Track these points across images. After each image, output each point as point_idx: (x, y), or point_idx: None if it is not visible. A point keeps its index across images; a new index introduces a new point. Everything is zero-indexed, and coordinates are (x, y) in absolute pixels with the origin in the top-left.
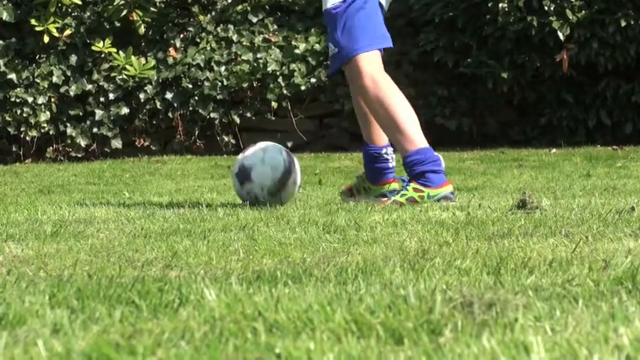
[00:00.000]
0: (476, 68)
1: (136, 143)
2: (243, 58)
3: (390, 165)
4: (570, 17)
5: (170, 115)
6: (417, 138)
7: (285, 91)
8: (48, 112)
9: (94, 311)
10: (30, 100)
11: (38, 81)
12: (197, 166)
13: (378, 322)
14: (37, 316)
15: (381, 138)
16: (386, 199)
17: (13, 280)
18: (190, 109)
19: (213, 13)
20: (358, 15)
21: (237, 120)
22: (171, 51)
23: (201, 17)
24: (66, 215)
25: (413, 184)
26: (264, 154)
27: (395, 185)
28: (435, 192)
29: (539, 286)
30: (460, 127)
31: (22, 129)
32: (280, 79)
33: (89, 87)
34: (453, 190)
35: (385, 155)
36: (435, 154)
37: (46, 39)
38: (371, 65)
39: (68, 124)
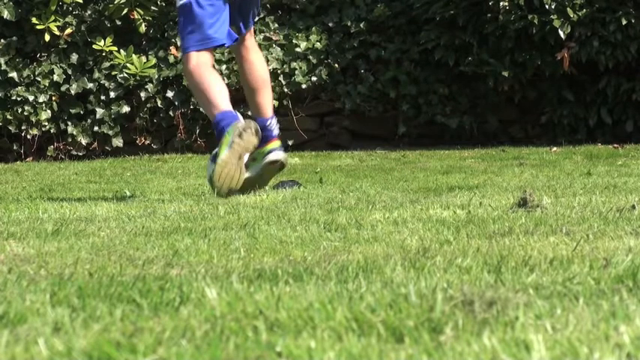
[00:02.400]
0: (477, 67)
1: (137, 142)
2: None
3: (274, 133)
4: (571, 15)
5: (171, 113)
6: (219, 104)
7: (286, 90)
8: (49, 111)
9: (95, 310)
10: (31, 98)
11: (39, 79)
12: (198, 164)
13: (378, 320)
14: (37, 314)
15: (264, 109)
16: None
17: (14, 279)
18: (191, 107)
19: None
20: (180, 18)
21: None
22: (172, 49)
23: None
24: (67, 214)
25: (223, 135)
26: None
27: (276, 143)
28: (230, 129)
29: (540, 284)
30: (461, 126)
31: (23, 127)
32: (281, 78)
33: (90, 85)
34: (242, 123)
35: (269, 126)
36: (234, 112)
37: (47, 37)
38: (191, 63)
39: (69, 123)
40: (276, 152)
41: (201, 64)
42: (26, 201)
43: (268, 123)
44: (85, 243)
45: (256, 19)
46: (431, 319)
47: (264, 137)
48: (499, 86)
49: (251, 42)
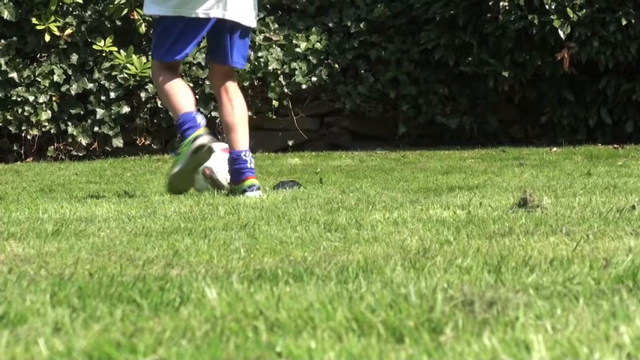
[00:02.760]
0: (477, 67)
1: (137, 142)
2: None
3: (248, 165)
4: (571, 15)
5: (171, 113)
6: (181, 106)
7: (286, 90)
8: (49, 111)
9: (95, 310)
10: (31, 98)
11: (39, 80)
12: None
13: (379, 320)
14: (38, 314)
15: (239, 144)
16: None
17: (15, 279)
18: None
19: None
20: (154, 29)
21: None
22: None
23: None
24: (67, 214)
25: (183, 143)
26: None
27: (253, 181)
28: (190, 139)
29: (540, 284)
30: (461, 126)
31: (23, 128)
32: (281, 78)
33: (90, 86)
34: (202, 134)
35: (244, 157)
36: (194, 115)
37: (47, 38)
38: (157, 70)
39: (69, 123)
40: (249, 194)
41: (167, 71)
42: (26, 201)
43: (243, 154)
44: (85, 243)
45: (242, 65)
46: (431, 319)
47: (239, 169)
48: (499, 86)
49: (231, 84)
